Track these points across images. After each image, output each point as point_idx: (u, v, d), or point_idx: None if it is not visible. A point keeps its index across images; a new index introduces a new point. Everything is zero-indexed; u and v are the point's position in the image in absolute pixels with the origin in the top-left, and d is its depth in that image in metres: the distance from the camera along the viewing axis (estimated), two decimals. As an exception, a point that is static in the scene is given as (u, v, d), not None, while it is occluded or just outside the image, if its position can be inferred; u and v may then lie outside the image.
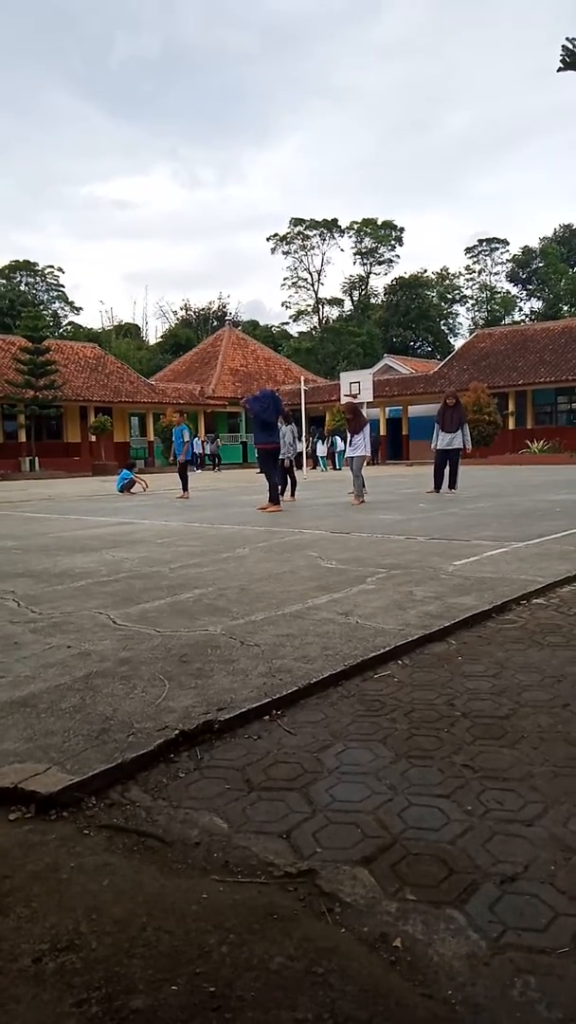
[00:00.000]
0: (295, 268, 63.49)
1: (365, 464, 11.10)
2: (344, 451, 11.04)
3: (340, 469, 26.29)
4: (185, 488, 13.76)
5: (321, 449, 29.48)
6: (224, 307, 63.76)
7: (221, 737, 2.28)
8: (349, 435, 11.30)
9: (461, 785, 1.93)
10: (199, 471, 29.17)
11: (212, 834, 1.73)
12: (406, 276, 60.32)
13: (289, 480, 12.15)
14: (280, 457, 12.06)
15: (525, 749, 2.14)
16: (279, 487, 11.83)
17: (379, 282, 65.26)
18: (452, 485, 11.99)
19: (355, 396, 23.37)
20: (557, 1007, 1.19)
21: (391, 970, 1.28)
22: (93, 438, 31.68)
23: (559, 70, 2.91)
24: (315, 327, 63.26)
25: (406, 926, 1.39)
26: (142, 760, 2.07)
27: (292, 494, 12.14)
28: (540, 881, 1.52)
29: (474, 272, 64.09)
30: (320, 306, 64.39)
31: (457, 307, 64.56)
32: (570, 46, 2.86)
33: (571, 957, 1.30)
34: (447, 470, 11.98)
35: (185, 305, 66.06)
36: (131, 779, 2.01)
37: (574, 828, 1.71)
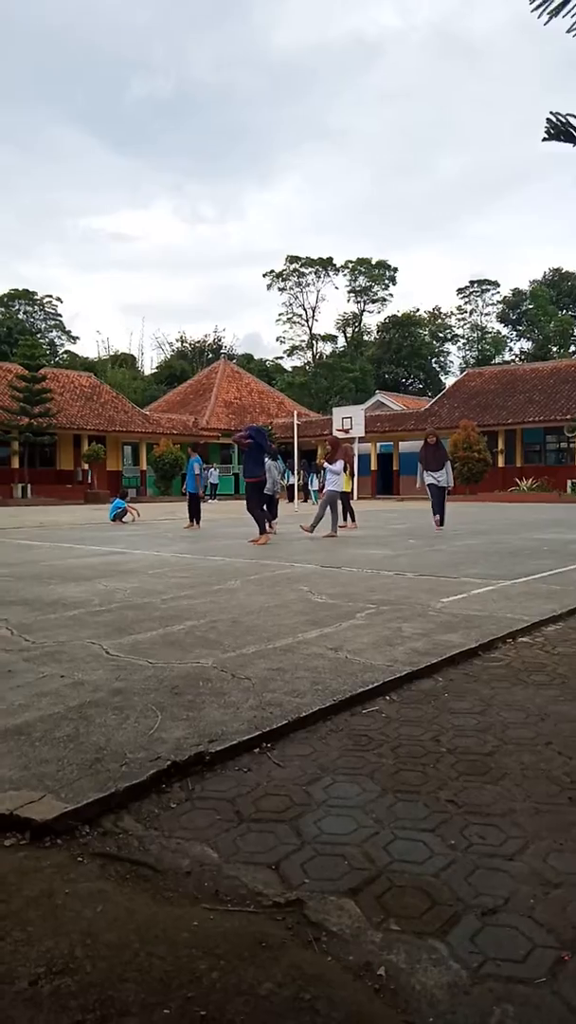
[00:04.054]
0: (290, 304, 64.70)
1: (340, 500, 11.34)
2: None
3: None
4: (194, 520, 13.75)
5: (315, 483, 29.70)
6: (219, 340, 64.68)
7: (212, 768, 2.33)
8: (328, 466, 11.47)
9: (445, 820, 1.99)
10: (213, 500, 29.46)
11: (203, 864, 1.77)
12: (399, 315, 61.59)
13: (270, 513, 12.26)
14: (267, 491, 12.24)
15: (508, 786, 2.21)
16: (268, 519, 11.97)
17: (372, 320, 66.66)
18: (439, 523, 12.22)
19: (347, 431, 23.71)
20: (533, 1034, 1.24)
21: (375, 997, 1.33)
22: (86, 466, 31.79)
23: (544, 139, 3.08)
24: (309, 362, 64.19)
25: (390, 955, 1.44)
26: (135, 790, 2.11)
27: (269, 526, 12.21)
28: (520, 914, 1.57)
29: (465, 312, 65.54)
30: (314, 342, 65.45)
31: (448, 346, 65.84)
32: (554, 119, 3.04)
33: (548, 987, 1.36)
34: (439, 507, 12.27)
35: (181, 337, 67.04)
36: (124, 808, 2.05)
37: (554, 863, 1.77)
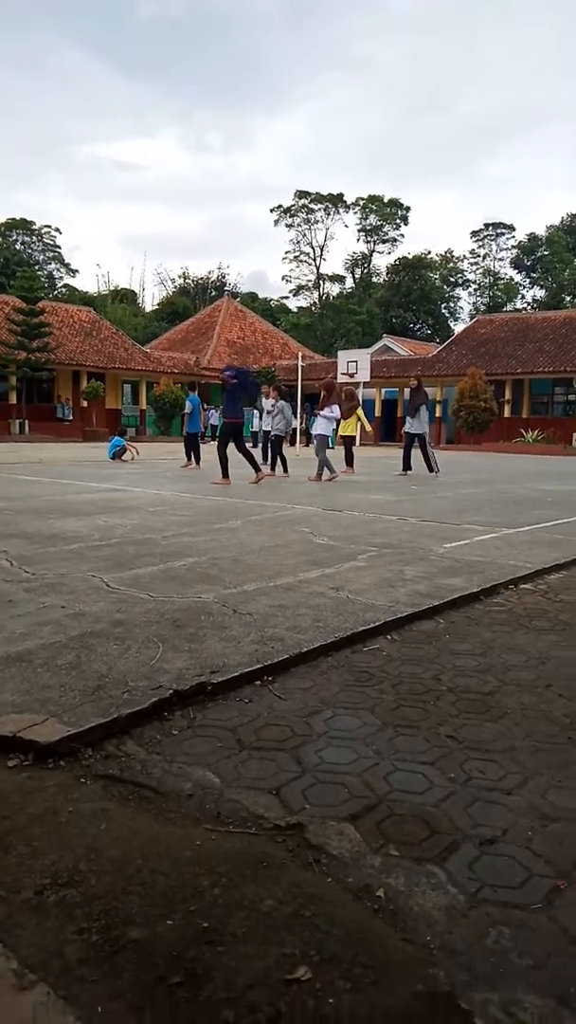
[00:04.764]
0: (298, 242, 62.60)
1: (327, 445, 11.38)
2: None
3: (332, 447, 26.28)
4: (191, 460, 13.70)
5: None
6: (223, 277, 62.93)
7: (213, 699, 2.35)
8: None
9: (445, 754, 2.01)
10: (214, 442, 29.33)
11: (205, 787, 1.79)
12: (409, 256, 59.70)
13: (279, 457, 12.20)
14: (276, 434, 12.18)
15: (508, 724, 2.22)
16: (281, 462, 11.97)
17: (382, 261, 64.61)
18: (429, 468, 12.22)
19: (352, 375, 23.32)
20: (528, 955, 1.27)
21: (374, 917, 1.35)
22: (85, 403, 31.38)
23: None
24: (315, 303, 62.62)
25: (389, 879, 1.47)
26: (137, 716, 2.13)
27: (285, 469, 12.19)
28: (517, 845, 1.60)
29: (478, 256, 63.52)
30: (321, 282, 63.67)
31: (459, 291, 64.08)
32: None
33: (544, 913, 1.38)
34: (423, 454, 12.24)
35: (184, 273, 65.09)
36: (126, 734, 2.07)
37: (552, 799, 1.79)
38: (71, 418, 30.97)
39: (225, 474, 10.19)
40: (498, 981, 1.20)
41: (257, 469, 10.22)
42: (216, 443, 10.61)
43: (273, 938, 1.26)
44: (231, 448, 10.21)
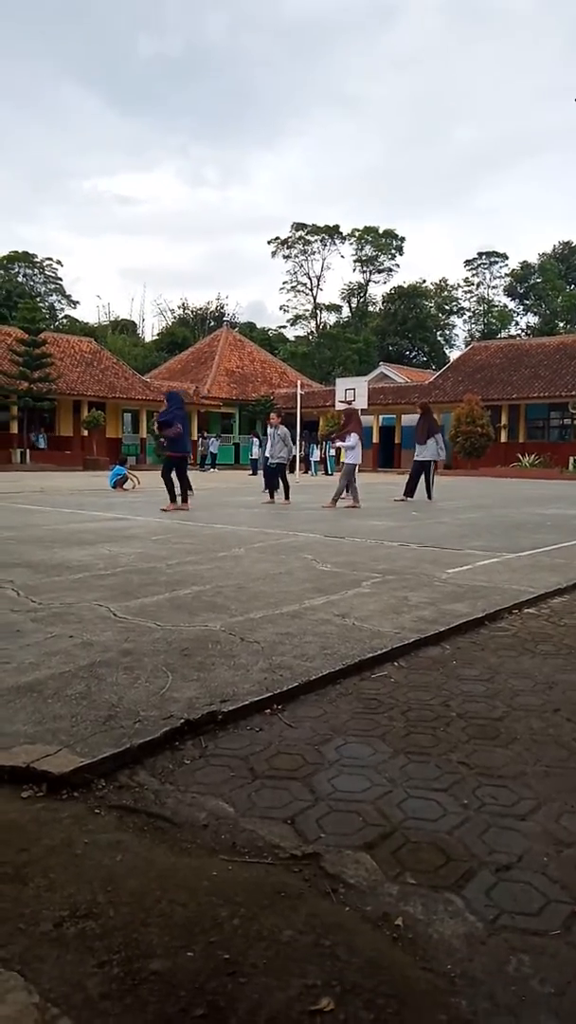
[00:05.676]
0: (295, 272, 63.76)
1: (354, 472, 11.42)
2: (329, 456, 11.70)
3: (332, 474, 26.40)
4: (182, 494, 13.44)
5: (315, 454, 29.60)
6: (222, 307, 63.86)
7: (224, 728, 2.35)
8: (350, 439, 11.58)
9: (457, 781, 2.01)
10: (213, 470, 30.06)
11: (219, 817, 1.79)
12: (405, 285, 60.75)
13: (283, 484, 12.30)
14: (276, 461, 12.28)
15: (518, 749, 2.23)
16: (284, 489, 12.07)
17: (378, 290, 65.86)
18: (428, 495, 12.33)
19: (350, 402, 23.53)
20: (549, 983, 1.27)
21: (394, 946, 1.35)
22: (85, 432, 31.60)
23: None
24: (312, 332, 63.47)
25: (407, 907, 1.46)
26: (149, 746, 2.13)
27: (286, 496, 12.25)
28: (533, 870, 1.60)
29: (472, 285, 64.63)
30: (318, 311, 64.64)
31: (454, 319, 65.09)
32: None
33: (563, 939, 1.38)
34: (426, 481, 12.38)
35: (183, 304, 66.10)
36: (138, 764, 2.07)
37: (566, 823, 1.80)
38: (43, 447, 30.81)
39: (172, 498, 10.34)
40: (520, 1009, 1.20)
41: (173, 499, 10.40)
42: (175, 473, 10.74)
43: (294, 968, 1.26)
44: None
